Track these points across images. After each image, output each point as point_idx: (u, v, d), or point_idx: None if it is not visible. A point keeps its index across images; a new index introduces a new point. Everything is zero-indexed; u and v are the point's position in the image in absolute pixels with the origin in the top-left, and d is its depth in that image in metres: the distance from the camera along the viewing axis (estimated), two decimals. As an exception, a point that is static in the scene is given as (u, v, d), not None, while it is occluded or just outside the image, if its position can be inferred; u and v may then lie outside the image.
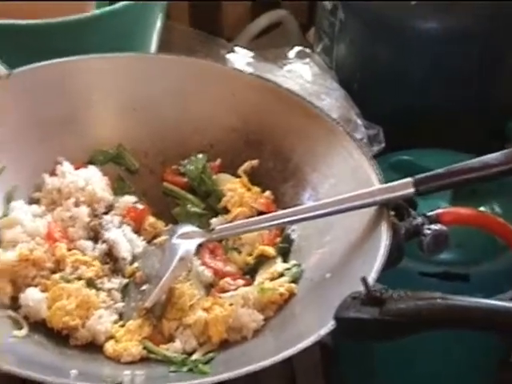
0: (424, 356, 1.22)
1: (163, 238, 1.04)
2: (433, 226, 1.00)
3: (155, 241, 1.05)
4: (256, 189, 1.10)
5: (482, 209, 1.23)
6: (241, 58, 1.51)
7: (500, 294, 1.18)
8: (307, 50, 1.55)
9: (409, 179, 0.99)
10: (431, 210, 1.03)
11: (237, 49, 1.53)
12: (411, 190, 0.98)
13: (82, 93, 1.13)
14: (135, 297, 0.99)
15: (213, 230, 1.03)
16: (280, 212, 1.04)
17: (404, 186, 0.99)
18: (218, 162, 1.13)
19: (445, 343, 1.17)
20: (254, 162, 1.12)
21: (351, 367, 1.30)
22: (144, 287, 0.99)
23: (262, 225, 1.03)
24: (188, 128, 1.14)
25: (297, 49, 1.55)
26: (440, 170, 1.00)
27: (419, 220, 1.00)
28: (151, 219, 1.07)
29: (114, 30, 1.24)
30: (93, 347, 0.95)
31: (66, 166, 1.08)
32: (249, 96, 1.13)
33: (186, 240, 1.00)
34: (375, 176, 1.02)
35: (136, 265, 1.02)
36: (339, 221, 1.01)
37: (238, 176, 1.11)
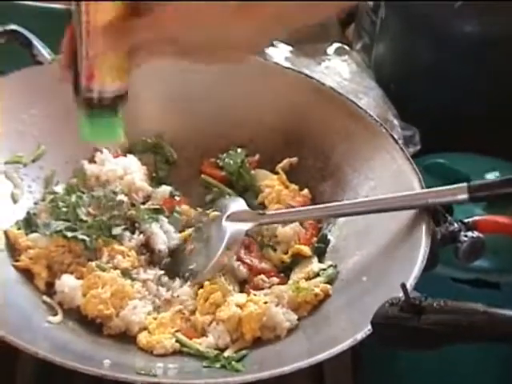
0: (450, 365, 1.21)
1: (215, 213, 1.04)
2: (470, 233, 0.99)
3: (209, 215, 1.04)
4: (294, 186, 1.09)
5: (518, 218, 1.22)
6: (279, 52, 1.50)
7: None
8: (346, 47, 1.54)
9: (463, 185, 0.97)
10: (467, 217, 1.03)
11: (276, 43, 1.52)
12: (465, 195, 0.97)
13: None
14: (184, 272, 0.99)
15: (264, 214, 1.02)
16: (331, 204, 1.03)
17: (458, 191, 0.97)
18: (257, 157, 1.12)
19: (474, 354, 1.17)
20: (293, 160, 1.11)
21: (376, 372, 1.30)
22: (192, 266, 0.99)
23: (313, 214, 1.03)
24: (228, 121, 1.14)
25: (336, 45, 1.54)
26: (496, 179, 0.99)
27: (456, 226, 1.00)
28: (184, 207, 1.07)
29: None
30: (125, 337, 0.95)
31: (106, 154, 1.08)
32: (290, 93, 1.13)
33: (235, 223, 1.00)
34: (417, 182, 1.01)
35: (188, 233, 1.02)
36: (378, 223, 1.00)
37: (277, 173, 1.11)
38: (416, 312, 0.82)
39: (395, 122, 1.40)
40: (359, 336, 0.86)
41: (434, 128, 1.38)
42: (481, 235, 1.00)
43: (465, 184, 0.97)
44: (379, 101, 1.43)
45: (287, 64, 1.43)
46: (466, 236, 0.99)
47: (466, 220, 1.02)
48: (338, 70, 1.49)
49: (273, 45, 1.51)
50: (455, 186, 0.98)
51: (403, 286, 0.84)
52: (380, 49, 1.49)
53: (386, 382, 1.28)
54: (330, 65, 1.51)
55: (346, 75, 1.49)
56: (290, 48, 1.52)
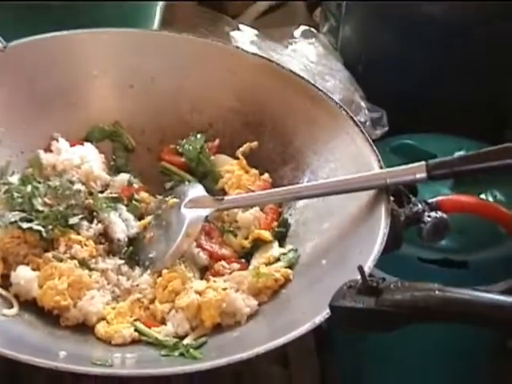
0: (415, 343, 1.20)
1: (173, 200, 1.02)
2: (433, 214, 0.99)
3: (168, 202, 1.03)
4: (254, 171, 1.08)
5: (483, 196, 1.21)
6: (245, 36, 1.48)
7: (493, 284, 1.17)
8: (313, 30, 1.53)
9: (421, 163, 0.97)
10: (432, 197, 1.02)
11: (241, 26, 1.51)
12: (423, 174, 0.96)
13: (80, 67, 1.11)
14: (144, 260, 0.98)
15: (222, 199, 1.01)
16: (292, 186, 1.02)
17: (416, 170, 0.96)
18: (217, 142, 1.11)
19: (437, 330, 1.16)
20: (253, 144, 1.10)
21: (345, 351, 1.29)
22: (152, 254, 0.98)
23: (273, 198, 1.02)
24: (186, 106, 1.12)
25: (302, 28, 1.53)
26: (455, 157, 0.98)
27: (419, 207, 0.99)
28: (143, 194, 1.06)
29: (117, 5, 1.22)
30: (83, 328, 0.93)
31: (62, 143, 1.06)
32: (249, 75, 1.11)
33: (194, 209, 0.99)
34: (377, 163, 1.00)
35: (147, 221, 1.01)
36: (338, 206, 0.99)
37: (237, 158, 1.10)
38: (373, 294, 0.82)
39: (362, 103, 1.39)
40: (318, 319, 0.85)
41: (401, 109, 1.37)
42: (444, 215, 0.99)
43: (423, 162, 0.96)
44: (346, 83, 1.42)
45: (253, 48, 1.41)
46: (429, 216, 0.99)
47: (429, 200, 1.01)
48: (304, 52, 1.48)
49: (238, 28, 1.50)
50: (413, 164, 0.97)
51: (360, 269, 0.83)
52: (346, 31, 1.48)
53: (354, 363, 1.27)
54: (297, 48, 1.50)
55: (312, 58, 1.47)
56: (256, 32, 1.50)
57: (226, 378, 1.06)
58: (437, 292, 0.79)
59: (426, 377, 1.22)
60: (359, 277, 0.83)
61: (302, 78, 1.11)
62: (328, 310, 0.84)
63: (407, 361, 1.21)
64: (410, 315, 0.80)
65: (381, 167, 1.00)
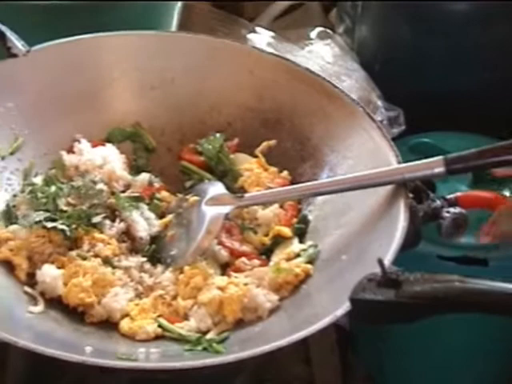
0: (439, 339, 1.21)
1: (194, 198, 1.03)
2: (452, 210, 0.99)
3: (189, 200, 1.03)
4: (273, 169, 1.09)
5: (501, 192, 1.22)
6: (262, 38, 1.50)
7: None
8: (329, 31, 1.54)
9: (440, 158, 0.97)
10: (450, 193, 1.02)
11: (258, 29, 1.52)
12: (442, 169, 0.96)
13: (101, 70, 1.12)
14: (166, 258, 0.99)
15: (242, 196, 1.02)
16: (311, 183, 1.03)
17: (434, 165, 0.97)
18: (236, 141, 1.12)
19: (460, 326, 1.16)
20: (272, 142, 1.11)
21: (367, 349, 1.30)
22: (173, 252, 1.00)
23: (292, 194, 1.03)
24: (205, 106, 1.14)
25: (318, 29, 1.54)
26: (473, 151, 0.98)
27: (438, 203, 0.99)
28: (164, 193, 1.07)
29: (136, 8, 1.24)
30: (108, 325, 0.95)
31: (84, 144, 1.08)
32: (266, 74, 1.13)
33: (215, 207, 1.00)
34: (395, 159, 1.01)
35: (168, 219, 1.02)
36: (357, 202, 1.00)
37: (256, 156, 1.11)
38: (393, 286, 0.82)
39: (379, 103, 1.40)
40: (339, 312, 0.86)
41: (418, 108, 1.38)
42: (463, 211, 1.00)
43: (441, 157, 0.97)
44: (362, 83, 1.43)
45: (269, 50, 1.42)
46: (448, 212, 0.99)
47: (448, 196, 1.02)
48: (320, 53, 1.50)
49: (254, 31, 1.52)
50: (432, 159, 0.97)
51: (380, 261, 0.84)
52: (362, 31, 1.49)
53: (376, 361, 1.28)
54: (313, 49, 1.51)
55: (328, 58, 1.48)
56: (272, 34, 1.52)
57: (250, 377, 1.07)
58: (456, 283, 0.80)
59: (449, 376, 1.22)
60: (379, 270, 0.84)
61: (319, 76, 1.12)
62: (348, 303, 0.85)
63: (430, 360, 1.21)
64: (429, 307, 0.81)
65: (399, 162, 1.01)
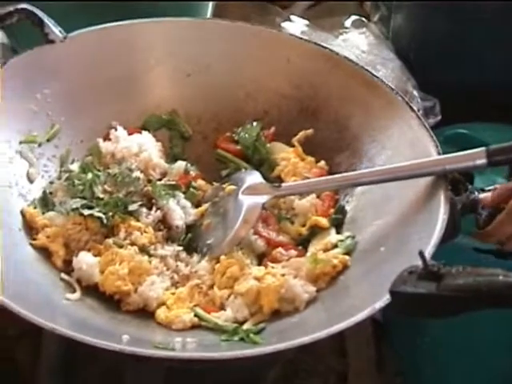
0: (475, 333, 1.19)
1: (231, 187, 1.03)
2: (490, 202, 0.98)
3: (225, 189, 1.03)
4: (310, 158, 1.08)
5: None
6: (296, 27, 1.49)
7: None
8: (363, 20, 1.52)
9: (481, 149, 0.95)
10: (488, 186, 1.01)
11: (292, 17, 1.51)
12: (483, 160, 0.95)
13: (137, 57, 1.12)
14: (202, 247, 0.99)
15: (279, 186, 1.02)
16: (349, 173, 1.02)
17: (476, 156, 0.95)
18: (272, 130, 1.11)
19: (497, 319, 1.15)
20: (309, 132, 1.10)
21: (400, 342, 1.29)
22: (209, 241, 0.99)
23: (330, 185, 1.02)
24: (242, 94, 1.13)
25: (353, 18, 1.53)
26: None
27: (476, 195, 0.98)
28: (200, 182, 1.06)
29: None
30: (144, 313, 0.95)
31: (120, 131, 1.08)
32: (304, 62, 1.11)
33: (252, 196, 0.99)
34: (434, 149, 0.99)
35: (204, 208, 1.02)
36: (396, 193, 0.99)
37: (292, 145, 1.10)
38: (435, 279, 0.81)
39: (415, 92, 1.39)
40: (378, 305, 0.85)
41: (454, 98, 1.36)
42: (501, 203, 0.98)
43: (483, 148, 0.95)
44: (398, 72, 1.42)
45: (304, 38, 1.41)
46: (486, 204, 0.98)
47: (486, 188, 1.00)
48: (355, 42, 1.48)
49: (289, 19, 1.50)
50: (473, 150, 0.96)
51: (421, 254, 0.83)
52: (398, 20, 1.47)
53: (412, 353, 1.27)
54: (348, 37, 1.50)
55: (363, 47, 1.47)
56: (306, 22, 1.50)
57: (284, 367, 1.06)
58: (500, 277, 0.78)
59: (485, 370, 1.21)
60: (420, 262, 0.83)
61: (357, 64, 1.11)
62: (388, 296, 0.83)
63: (465, 354, 1.20)
64: (472, 300, 0.80)
65: (439, 153, 0.99)
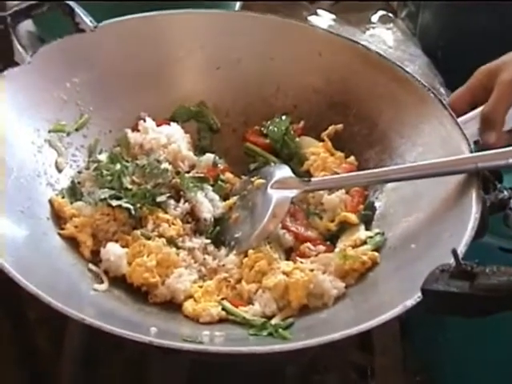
0: (499, 332, 1.18)
1: (260, 181, 1.02)
2: (520, 201, 0.97)
3: (254, 182, 1.02)
4: (339, 154, 1.07)
5: None
6: (323, 21, 1.48)
7: None
8: (391, 15, 1.52)
9: None
10: (514, 185, 1.00)
11: (319, 11, 1.50)
12: None
13: (167, 48, 1.11)
14: (230, 240, 0.99)
15: (309, 181, 1.01)
16: (379, 169, 1.01)
17: (509, 155, 0.94)
18: (302, 124, 1.10)
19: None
20: (339, 127, 1.09)
21: (423, 340, 1.28)
22: (237, 235, 0.99)
23: (360, 180, 1.01)
24: (271, 87, 1.12)
25: (380, 13, 1.52)
26: None
27: (506, 194, 0.97)
28: (228, 175, 1.06)
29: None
30: (171, 306, 0.94)
31: (149, 122, 1.07)
32: (335, 57, 1.10)
33: (281, 190, 0.99)
34: (466, 147, 0.98)
35: (232, 201, 1.02)
36: (426, 190, 0.98)
37: (322, 140, 1.09)
38: (467, 278, 0.80)
39: (442, 90, 1.38)
40: (409, 303, 0.84)
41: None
42: (532, 203, 0.97)
43: None
44: (425, 69, 1.41)
45: (331, 32, 1.40)
46: (516, 203, 0.97)
47: (516, 187, 0.99)
48: (382, 38, 1.48)
49: (316, 13, 1.49)
50: (506, 149, 0.95)
51: (454, 252, 0.82)
52: (426, 16, 1.46)
53: (433, 352, 1.26)
54: (375, 33, 1.49)
55: (390, 43, 1.46)
56: (333, 16, 1.49)
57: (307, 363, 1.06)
58: (535, 277, 0.77)
59: (509, 370, 1.20)
60: (452, 260, 0.82)
61: (389, 60, 1.10)
62: (419, 294, 0.83)
63: (488, 353, 1.19)
64: (506, 300, 0.79)
65: (471, 151, 0.98)
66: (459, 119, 1.02)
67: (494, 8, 1.35)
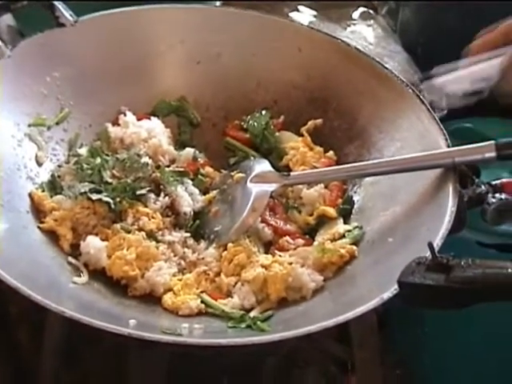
0: (476, 325, 1.19)
1: (239, 175, 1.03)
2: (498, 196, 0.98)
3: (234, 177, 1.03)
4: (318, 148, 1.08)
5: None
6: (304, 17, 1.48)
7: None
8: (371, 12, 1.52)
9: (491, 142, 0.96)
10: (494, 180, 1.01)
11: (300, 8, 1.50)
12: (492, 154, 0.95)
13: (147, 43, 1.12)
14: (209, 234, 0.99)
15: (288, 175, 1.02)
16: (358, 164, 1.02)
17: (485, 150, 0.95)
18: (282, 119, 1.11)
19: (499, 312, 1.15)
20: (318, 122, 1.10)
21: (401, 333, 1.29)
22: (217, 228, 0.99)
23: (338, 175, 1.02)
24: (252, 83, 1.13)
25: (361, 10, 1.52)
26: None
27: (483, 189, 0.98)
28: (208, 169, 1.07)
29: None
30: (150, 299, 0.95)
31: (129, 117, 1.08)
32: (315, 53, 1.11)
33: (260, 184, 1.00)
34: (444, 142, 0.99)
35: (212, 195, 1.02)
36: (404, 184, 0.99)
37: (301, 135, 1.10)
38: (443, 271, 0.81)
39: (421, 86, 1.38)
40: (386, 295, 0.85)
41: (460, 93, 1.36)
42: (509, 197, 0.98)
43: (492, 142, 0.95)
44: (405, 65, 1.42)
45: (311, 29, 1.41)
46: (493, 198, 0.98)
47: (493, 182, 1.00)
48: (363, 34, 1.48)
49: (297, 9, 1.50)
50: (483, 144, 0.96)
51: (430, 245, 0.83)
52: (406, 13, 1.47)
53: (412, 344, 1.27)
54: (356, 29, 1.50)
55: (371, 40, 1.47)
56: (314, 13, 1.50)
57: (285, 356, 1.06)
58: (510, 270, 0.78)
59: (485, 363, 1.21)
60: (428, 254, 0.83)
61: (369, 56, 1.11)
62: (396, 286, 0.84)
63: (466, 345, 1.20)
64: (481, 293, 0.80)
65: (448, 146, 0.99)
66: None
67: (468, 8, 1.36)
